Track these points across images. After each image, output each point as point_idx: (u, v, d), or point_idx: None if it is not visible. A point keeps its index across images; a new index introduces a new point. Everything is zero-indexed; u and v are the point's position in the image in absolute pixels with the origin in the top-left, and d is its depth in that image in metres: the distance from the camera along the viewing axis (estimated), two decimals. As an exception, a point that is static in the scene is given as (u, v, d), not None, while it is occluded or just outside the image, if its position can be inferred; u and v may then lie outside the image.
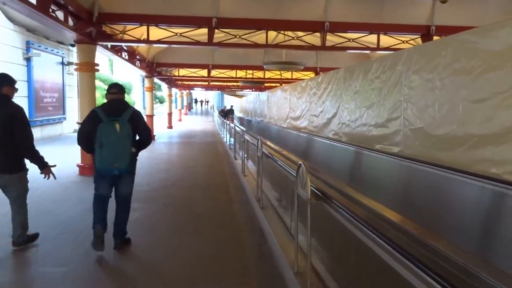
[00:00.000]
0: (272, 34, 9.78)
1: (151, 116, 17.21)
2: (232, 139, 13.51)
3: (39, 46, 16.37)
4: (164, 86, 29.98)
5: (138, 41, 9.05)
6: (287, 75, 20.28)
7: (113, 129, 3.70)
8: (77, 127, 21.72)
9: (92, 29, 8.02)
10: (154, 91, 25.39)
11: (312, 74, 20.75)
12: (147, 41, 8.62)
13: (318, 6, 8.71)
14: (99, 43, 8.51)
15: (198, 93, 71.76)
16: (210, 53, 17.67)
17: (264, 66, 13.56)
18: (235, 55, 17.86)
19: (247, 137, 7.85)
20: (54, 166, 4.07)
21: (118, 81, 41.23)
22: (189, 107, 55.98)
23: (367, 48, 9.25)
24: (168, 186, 7.42)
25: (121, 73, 42.21)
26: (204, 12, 8.45)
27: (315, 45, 9.30)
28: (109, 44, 9.70)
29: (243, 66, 18.75)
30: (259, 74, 20.48)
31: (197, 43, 8.97)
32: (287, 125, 12.74)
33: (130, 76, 39.95)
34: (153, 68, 17.32)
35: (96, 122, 3.73)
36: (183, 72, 19.87)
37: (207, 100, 75.43)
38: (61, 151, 11.64)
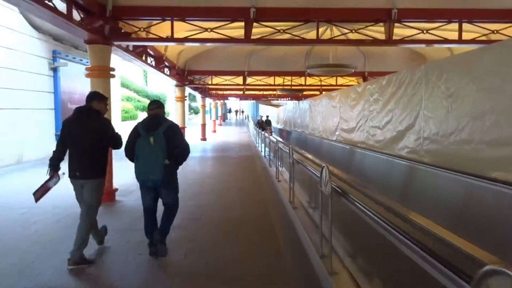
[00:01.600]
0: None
1: (183, 128, 15.86)
2: (270, 153, 11.80)
3: (67, 56, 15.42)
4: (198, 96, 28.80)
5: (161, 39, 7.55)
6: (330, 81, 18.39)
7: (147, 142, 3.94)
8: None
9: (105, 25, 6.60)
10: (188, 102, 24.25)
11: (355, 81, 18.77)
12: (171, 39, 7.10)
13: (382, -10, 6.88)
14: (115, 43, 7.07)
15: (233, 103, 70.86)
16: (245, 58, 16.16)
17: (308, 71, 11.81)
18: (272, 60, 16.23)
19: (296, 156, 6.09)
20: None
21: (152, 92, 40.79)
22: (224, 117, 54.86)
23: (446, 41, 7.30)
24: (195, 221, 5.77)
25: (156, 84, 41.73)
26: (239, 2, 6.84)
27: (379, 38, 7.42)
28: (130, 45, 8.27)
29: (281, 72, 17.07)
30: (298, 81, 18.69)
31: (231, 40, 7.36)
32: (336, 138, 10.88)
33: (164, 87, 39.34)
34: (184, 76, 15.98)
35: (136, 136, 4.03)
36: (216, 80, 18.44)
37: (242, 110, 74.37)
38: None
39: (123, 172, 9.58)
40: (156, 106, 4.25)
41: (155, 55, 11.35)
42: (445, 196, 5.04)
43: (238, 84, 18.10)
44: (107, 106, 4.40)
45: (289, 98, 38.83)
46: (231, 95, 34.69)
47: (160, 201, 4.30)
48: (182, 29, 7.75)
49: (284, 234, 5.11)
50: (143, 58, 9.96)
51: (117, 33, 6.92)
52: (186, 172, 10.09)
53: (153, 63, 11.34)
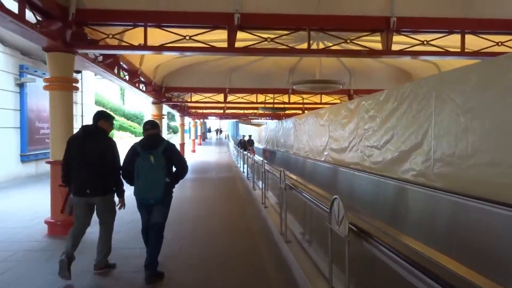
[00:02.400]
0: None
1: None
2: (253, 174, 10.97)
3: (35, 71, 14.38)
4: (177, 115, 27.83)
5: (132, 47, 6.66)
6: (313, 99, 17.81)
7: (148, 161, 4.05)
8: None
9: (67, 30, 5.72)
10: (167, 121, 23.32)
11: (339, 99, 18.30)
12: (145, 47, 6.25)
13: (380, -4, 6.26)
14: (79, 51, 6.19)
15: (213, 122, 70.06)
16: (226, 75, 15.45)
17: (293, 87, 11.12)
18: (255, 77, 15.58)
19: (289, 181, 5.26)
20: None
21: (130, 111, 39.63)
22: (203, 136, 53.74)
23: (447, 53, 6.72)
24: (171, 258, 4.84)
25: (133, 102, 40.59)
26: (222, 7, 6.10)
27: (376, 49, 6.75)
28: (98, 55, 7.39)
29: (264, 90, 16.40)
30: (280, 98, 18.05)
31: (213, 48, 6.55)
32: (325, 159, 10.15)
33: (142, 105, 38.22)
34: (162, 93, 15.10)
35: (134, 156, 4.16)
36: (196, 97, 17.61)
37: (220, 129, 73.43)
38: (45, 193, 9.20)
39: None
40: (151, 126, 4.40)
41: (129, 69, 10.47)
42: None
43: (219, 102, 17.31)
44: (112, 126, 4.55)
45: (270, 118, 38.31)
46: (211, 114, 33.89)
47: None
48: (158, 37, 6.94)
49: (278, 277, 4.22)
50: (115, 71, 9.06)
51: (81, 40, 6.04)
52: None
53: (126, 77, 10.44)
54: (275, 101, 18.25)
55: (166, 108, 22.31)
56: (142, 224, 4.36)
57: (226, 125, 74.24)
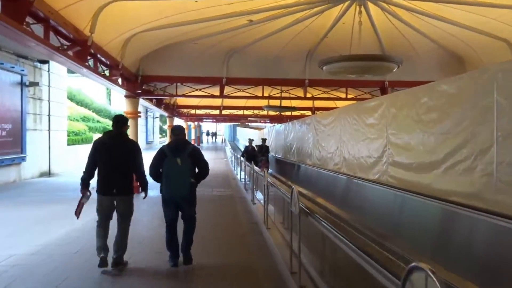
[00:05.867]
0: None
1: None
2: (264, 201, 7.23)
3: None
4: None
5: None
6: (337, 93, 14.06)
7: (175, 163, 4.55)
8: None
9: None
10: (160, 123, 19.76)
11: (363, 96, 14.65)
12: None
13: None
14: None
15: (208, 126, 65.96)
16: (223, 60, 11.75)
17: (323, 68, 7.41)
18: (259, 64, 11.92)
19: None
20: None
21: (116, 111, 35.87)
22: (199, 141, 49.50)
23: None
24: None
25: (119, 103, 36.84)
26: None
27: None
28: None
29: (271, 81, 12.63)
30: (294, 92, 14.27)
31: None
32: (379, 177, 6.46)
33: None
34: (137, 84, 11.37)
35: (162, 158, 4.64)
36: (184, 90, 13.85)
37: (214, 132, 68.72)
38: None
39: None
40: (179, 132, 4.90)
41: (74, 38, 6.74)
42: None
43: (213, 96, 13.53)
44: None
45: (265, 121, 34.37)
46: (205, 116, 30.11)
47: None
48: None
49: None
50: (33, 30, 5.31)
51: None
52: (138, 229, 4.95)
53: (70, 52, 6.68)
54: (284, 95, 14.46)
55: (155, 109, 18.64)
56: (167, 222, 4.74)
57: (223, 128, 70.26)
